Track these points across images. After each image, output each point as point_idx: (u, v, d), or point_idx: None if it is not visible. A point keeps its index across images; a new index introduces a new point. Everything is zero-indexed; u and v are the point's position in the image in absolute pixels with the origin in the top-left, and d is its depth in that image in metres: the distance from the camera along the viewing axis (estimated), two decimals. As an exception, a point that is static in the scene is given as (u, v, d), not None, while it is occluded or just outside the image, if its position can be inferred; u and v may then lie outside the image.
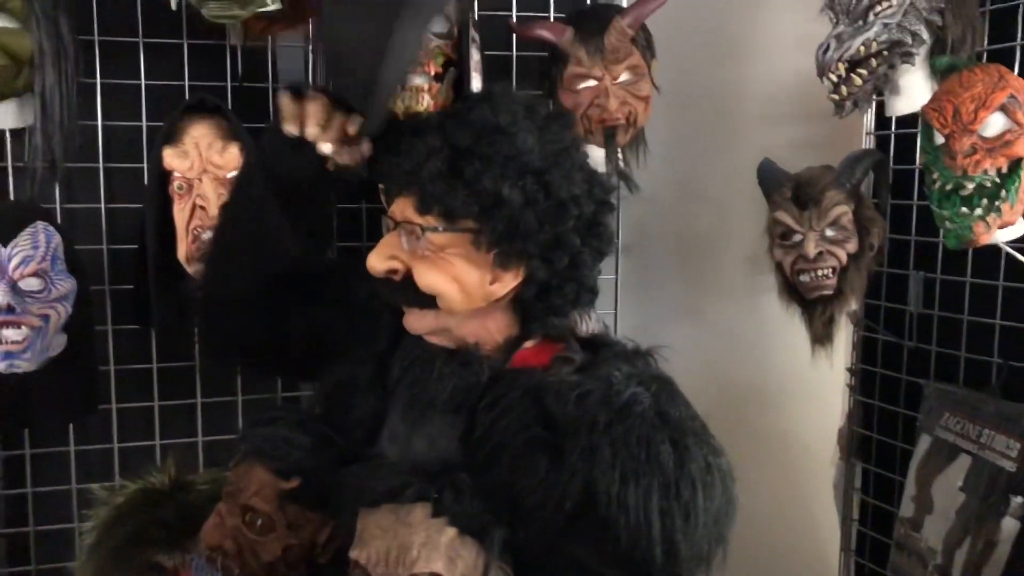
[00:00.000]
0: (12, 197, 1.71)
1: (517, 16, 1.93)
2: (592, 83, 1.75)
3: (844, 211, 1.83)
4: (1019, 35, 1.72)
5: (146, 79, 1.77)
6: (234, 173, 1.62)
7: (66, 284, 1.55)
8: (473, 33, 1.70)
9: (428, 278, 1.14)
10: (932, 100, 1.58)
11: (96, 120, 1.75)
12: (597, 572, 1.02)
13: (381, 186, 1.57)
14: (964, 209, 1.53)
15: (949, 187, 1.54)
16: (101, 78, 1.75)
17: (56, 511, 1.80)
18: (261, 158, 1.33)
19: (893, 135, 2.02)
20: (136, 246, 1.74)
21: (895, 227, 2.00)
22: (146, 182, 1.71)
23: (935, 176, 1.57)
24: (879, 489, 2.14)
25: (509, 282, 1.16)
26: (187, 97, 1.74)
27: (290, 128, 1.26)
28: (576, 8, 1.90)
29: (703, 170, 2.45)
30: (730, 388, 2.44)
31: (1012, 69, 1.62)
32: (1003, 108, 1.50)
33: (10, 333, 1.48)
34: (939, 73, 1.64)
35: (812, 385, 2.39)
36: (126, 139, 1.79)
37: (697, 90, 2.34)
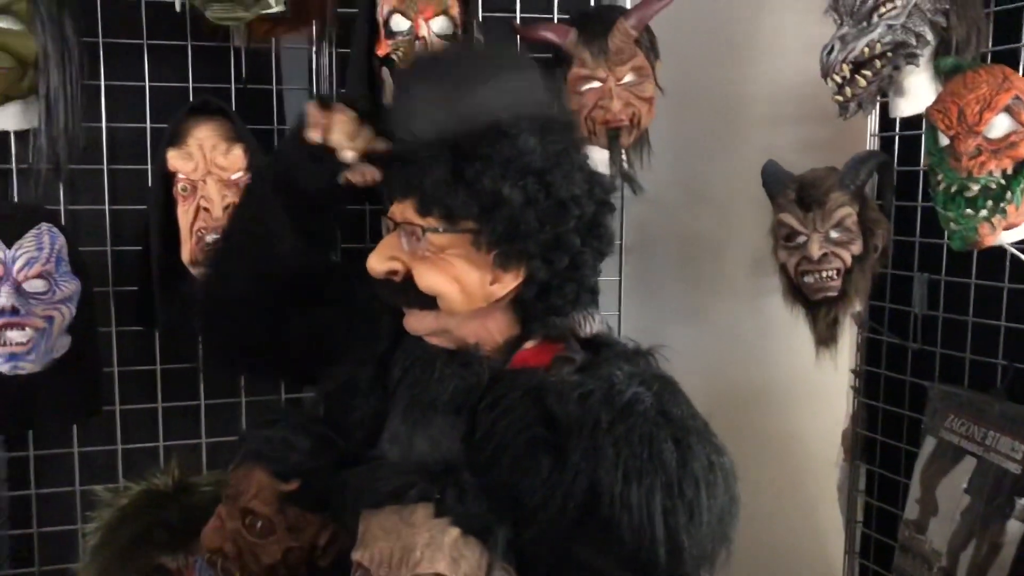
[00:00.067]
0: (16, 199, 1.72)
1: (521, 18, 1.93)
2: (596, 84, 1.75)
3: (848, 213, 1.83)
4: (1024, 36, 1.72)
5: (150, 81, 1.78)
6: (238, 175, 1.63)
7: (70, 286, 1.55)
8: (477, 35, 1.70)
9: (428, 279, 1.14)
10: (937, 101, 1.57)
11: (100, 122, 1.76)
12: (601, 572, 1.02)
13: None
14: (969, 211, 1.53)
15: (954, 188, 1.54)
16: (105, 80, 1.75)
17: (60, 513, 1.80)
18: (276, 162, 1.33)
19: (897, 136, 2.02)
20: (140, 248, 1.74)
21: (899, 229, 1.99)
22: (150, 184, 1.72)
23: (940, 177, 1.57)
24: (883, 491, 2.14)
25: (509, 282, 1.15)
26: (191, 99, 1.74)
27: (314, 135, 1.25)
28: (580, 10, 1.90)
29: (707, 171, 2.45)
30: (734, 390, 2.43)
31: (1017, 70, 1.61)
32: (1008, 109, 1.50)
33: (14, 335, 1.48)
34: (943, 74, 1.64)
35: (816, 387, 2.39)
36: (130, 141, 1.79)
37: (701, 91, 2.34)
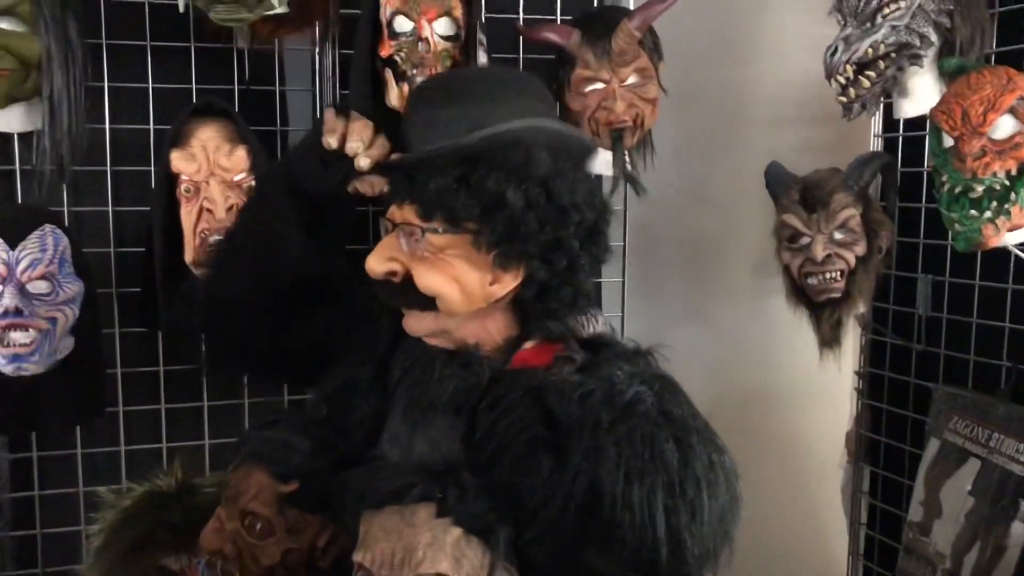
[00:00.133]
0: (20, 200, 1.72)
1: (524, 19, 1.93)
2: (599, 86, 1.75)
3: (852, 214, 1.83)
4: (1028, 37, 1.72)
5: (153, 82, 1.78)
6: (241, 176, 1.63)
7: (74, 287, 1.55)
8: (480, 36, 1.70)
9: (428, 279, 1.14)
10: (941, 102, 1.57)
11: (104, 123, 1.76)
12: (603, 572, 1.02)
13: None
14: (973, 212, 1.53)
15: (958, 190, 1.54)
16: (109, 81, 1.75)
17: (63, 514, 1.80)
18: (286, 166, 1.32)
19: (901, 137, 2.02)
20: (143, 249, 1.74)
21: (903, 230, 1.99)
22: (153, 185, 1.72)
23: (944, 179, 1.57)
24: (887, 493, 2.13)
25: (509, 283, 1.16)
26: (194, 100, 1.74)
27: (330, 141, 1.22)
28: (583, 11, 1.89)
29: (710, 173, 2.45)
30: (737, 391, 2.43)
31: (1021, 71, 1.60)
32: (1012, 110, 1.50)
33: (18, 336, 1.48)
34: (947, 75, 1.64)
35: (819, 388, 2.39)
36: (133, 142, 1.79)
37: (704, 92, 2.34)
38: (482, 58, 1.71)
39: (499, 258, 1.13)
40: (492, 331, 1.20)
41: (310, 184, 1.28)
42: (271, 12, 1.53)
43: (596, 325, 1.22)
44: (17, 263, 1.48)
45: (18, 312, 1.47)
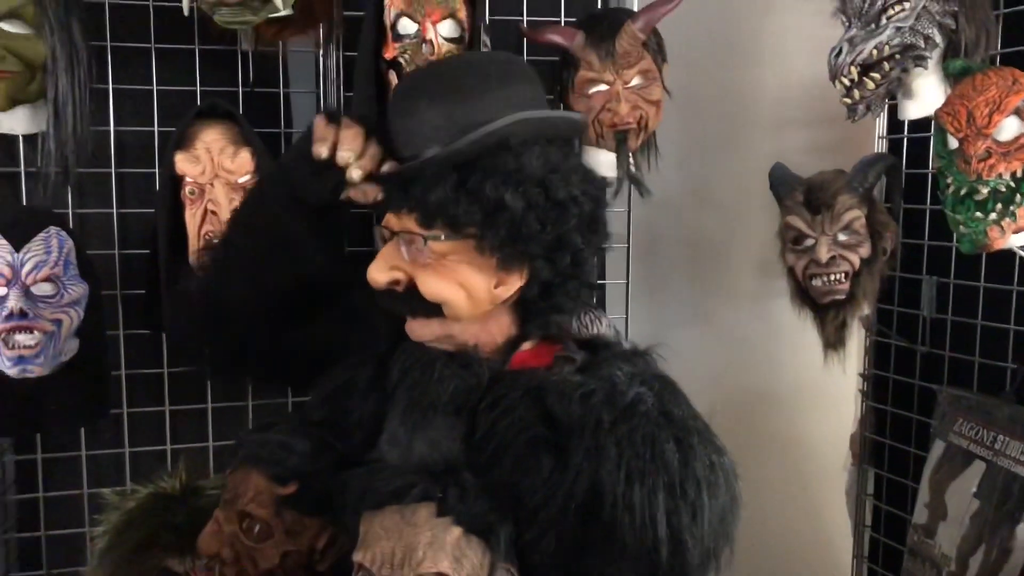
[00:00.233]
0: (25, 202, 1.72)
1: (528, 21, 1.93)
2: (603, 87, 1.75)
3: (857, 215, 1.82)
4: (1033, 38, 1.72)
5: (158, 85, 1.78)
6: (245, 178, 1.63)
7: (78, 289, 1.55)
8: (484, 38, 1.70)
9: (433, 286, 1.14)
10: (946, 104, 1.57)
11: (108, 125, 1.76)
12: (603, 573, 1.02)
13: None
14: (978, 213, 1.52)
15: (963, 191, 1.54)
16: (113, 84, 1.76)
17: (68, 515, 1.80)
18: (278, 174, 1.30)
19: (906, 139, 2.01)
20: (148, 251, 1.74)
21: (908, 231, 1.99)
22: (158, 187, 1.72)
23: (949, 180, 1.56)
24: (892, 495, 2.13)
25: (514, 283, 1.15)
26: (199, 102, 1.75)
27: (321, 150, 1.18)
28: (587, 12, 1.89)
29: (715, 174, 2.45)
30: (741, 393, 2.43)
31: (1026, 72, 1.61)
32: (1017, 112, 1.50)
33: (23, 338, 1.48)
34: (952, 77, 1.64)
35: (824, 390, 2.39)
36: (138, 144, 1.80)
37: (708, 94, 2.34)
38: (486, 60, 1.71)
39: (503, 261, 1.12)
40: (494, 332, 1.20)
41: (302, 192, 1.25)
42: (275, 14, 1.53)
43: (600, 326, 1.22)
44: (22, 265, 1.49)
45: (23, 314, 1.47)
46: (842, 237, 1.83)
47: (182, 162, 1.62)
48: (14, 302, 1.47)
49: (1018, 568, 1.60)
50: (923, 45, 1.64)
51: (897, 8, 1.63)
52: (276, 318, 1.32)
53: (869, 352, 2.18)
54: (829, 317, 1.87)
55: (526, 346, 1.19)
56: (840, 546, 2.33)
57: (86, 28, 1.62)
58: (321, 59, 1.86)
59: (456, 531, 1.02)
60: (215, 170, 1.62)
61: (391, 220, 1.16)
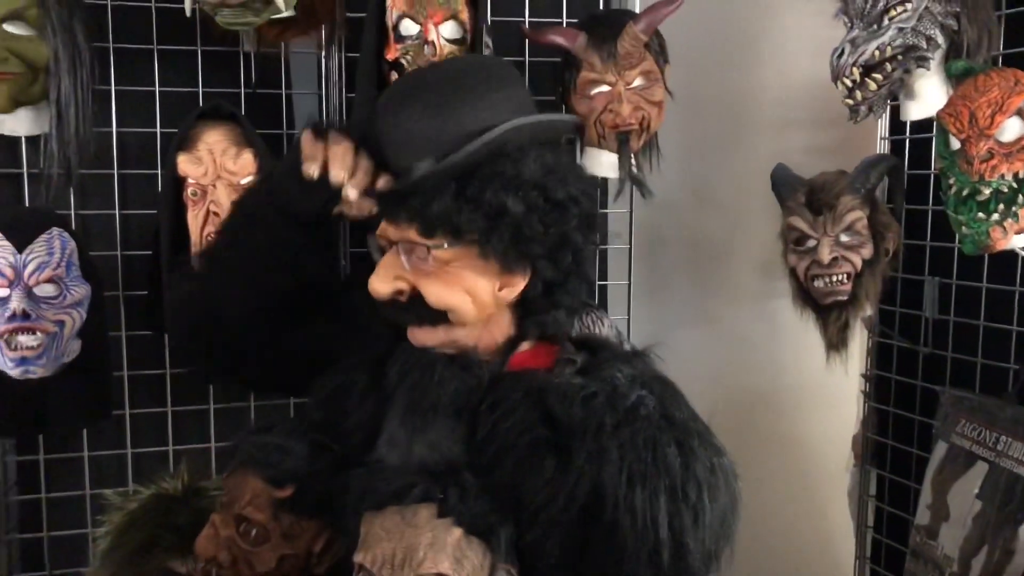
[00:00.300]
0: (28, 203, 1.73)
1: (530, 22, 1.93)
2: (605, 88, 1.75)
3: (859, 216, 1.82)
4: (1035, 39, 1.72)
5: (160, 86, 1.79)
6: (248, 179, 1.63)
7: (81, 290, 1.56)
8: (486, 39, 1.70)
9: (439, 294, 1.13)
10: (948, 105, 1.57)
11: (111, 127, 1.77)
12: (604, 574, 1.02)
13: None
14: (980, 214, 1.52)
15: (965, 192, 1.54)
16: (116, 85, 1.76)
17: (70, 516, 1.81)
18: (267, 188, 1.27)
19: (908, 140, 2.01)
20: (150, 252, 1.75)
21: (910, 232, 1.99)
22: (160, 188, 1.72)
23: (951, 181, 1.56)
24: (894, 496, 2.13)
25: (518, 285, 1.15)
26: (201, 103, 1.75)
27: (311, 170, 1.14)
28: (589, 13, 1.90)
29: (716, 175, 2.45)
30: (744, 394, 2.43)
31: (1028, 73, 1.61)
32: (1020, 113, 1.50)
33: (25, 339, 1.49)
34: (954, 77, 1.63)
35: (826, 391, 2.39)
36: (140, 145, 1.80)
37: (710, 95, 2.34)
38: (488, 61, 1.71)
39: (507, 264, 1.12)
40: (496, 334, 1.19)
41: (293, 209, 1.23)
42: (277, 16, 1.53)
43: (602, 327, 1.22)
44: (24, 266, 1.49)
45: (25, 315, 1.47)
46: (844, 238, 1.82)
47: (184, 163, 1.62)
48: (17, 303, 1.47)
49: (1020, 569, 1.60)
50: (925, 46, 1.64)
51: (899, 9, 1.63)
52: (272, 320, 1.31)
53: (871, 353, 2.18)
54: (831, 318, 1.87)
55: (524, 346, 1.19)
56: (842, 547, 2.33)
57: (89, 29, 1.63)
58: (323, 60, 1.86)
59: (457, 532, 1.02)
60: (217, 171, 1.63)
61: (389, 230, 1.14)
